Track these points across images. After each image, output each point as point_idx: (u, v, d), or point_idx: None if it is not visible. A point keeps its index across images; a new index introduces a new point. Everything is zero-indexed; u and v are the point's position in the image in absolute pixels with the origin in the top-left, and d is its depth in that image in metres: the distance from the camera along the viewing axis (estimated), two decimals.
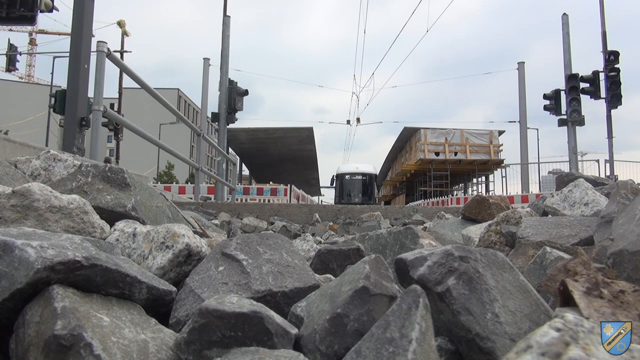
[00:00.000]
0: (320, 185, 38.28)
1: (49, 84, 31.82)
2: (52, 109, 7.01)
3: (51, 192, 1.32)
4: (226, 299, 0.82)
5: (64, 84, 7.80)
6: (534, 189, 19.04)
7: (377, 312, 0.81)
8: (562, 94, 15.34)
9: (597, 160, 19.56)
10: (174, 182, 36.02)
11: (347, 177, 27.99)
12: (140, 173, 9.34)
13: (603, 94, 15.07)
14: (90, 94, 6.06)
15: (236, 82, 14.80)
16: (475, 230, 2.22)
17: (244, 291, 1.04)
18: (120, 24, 27.57)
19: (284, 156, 29.26)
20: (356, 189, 27.75)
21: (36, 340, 0.78)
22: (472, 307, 0.82)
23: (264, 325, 0.79)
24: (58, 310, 0.79)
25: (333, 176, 28.51)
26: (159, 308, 1.04)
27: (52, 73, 29.77)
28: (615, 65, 14.97)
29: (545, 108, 15.77)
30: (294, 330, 0.83)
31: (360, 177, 27.87)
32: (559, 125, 15.31)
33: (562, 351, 0.59)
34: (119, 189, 1.61)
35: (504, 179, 24.10)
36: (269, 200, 16.93)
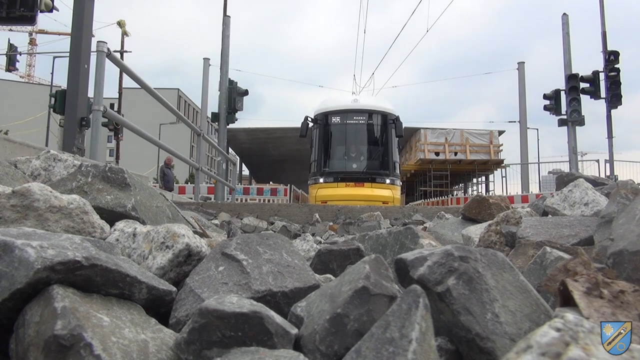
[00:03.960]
0: None
1: (49, 84, 31.83)
2: (52, 109, 7.01)
3: (51, 192, 1.32)
4: (226, 299, 0.82)
5: (64, 84, 7.80)
6: (534, 189, 19.05)
7: (377, 312, 0.81)
8: (562, 94, 15.35)
9: (597, 160, 19.61)
10: (174, 182, 35.91)
11: (335, 119, 14.35)
12: (140, 173, 9.34)
13: (603, 94, 15.07)
14: (90, 94, 6.06)
15: (236, 82, 14.80)
16: (475, 230, 2.22)
17: (244, 291, 1.04)
18: (120, 24, 27.56)
19: (284, 156, 27.14)
20: (355, 145, 14.41)
21: (36, 340, 0.78)
22: (472, 307, 0.82)
23: (264, 325, 0.79)
24: (58, 310, 0.79)
25: (306, 120, 14.38)
26: (159, 308, 1.04)
27: (52, 73, 29.79)
28: (615, 65, 14.97)
29: (545, 108, 15.77)
30: (294, 330, 0.83)
31: (363, 120, 14.41)
32: (559, 125, 15.32)
33: (562, 351, 0.59)
34: (119, 189, 1.61)
35: (504, 179, 24.14)
36: (269, 200, 16.93)
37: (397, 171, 15.16)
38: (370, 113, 14.68)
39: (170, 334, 0.91)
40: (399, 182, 15.32)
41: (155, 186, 13.06)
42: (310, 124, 14.78)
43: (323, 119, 14.65)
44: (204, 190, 14.21)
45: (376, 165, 14.35)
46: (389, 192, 13.99)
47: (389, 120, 14.53)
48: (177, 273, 1.25)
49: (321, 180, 14.18)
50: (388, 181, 14.20)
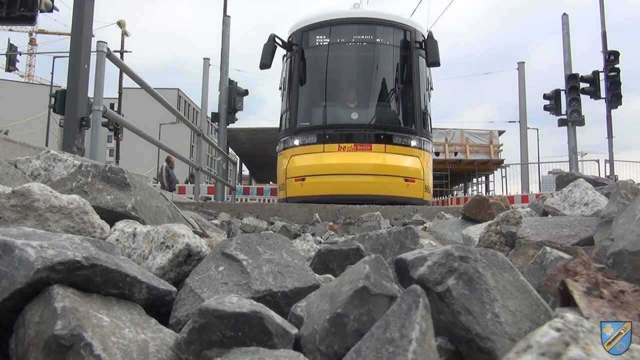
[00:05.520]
0: None
1: (49, 84, 31.88)
2: (52, 109, 7.01)
3: (51, 192, 1.32)
4: (226, 299, 0.82)
5: (64, 84, 7.81)
6: (534, 189, 19.05)
7: (377, 312, 0.81)
8: (562, 94, 15.35)
9: (597, 160, 19.64)
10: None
11: (322, 39, 8.89)
12: (140, 173, 9.35)
13: (603, 94, 15.09)
14: (90, 94, 6.07)
15: (236, 82, 14.79)
16: (475, 230, 2.22)
17: (244, 291, 1.04)
18: (120, 24, 27.59)
19: None
20: (356, 81, 8.94)
21: (36, 340, 0.78)
22: (472, 307, 0.82)
23: (264, 325, 0.79)
24: (58, 310, 0.79)
25: (273, 42, 8.79)
26: (159, 308, 1.04)
27: (52, 73, 29.85)
28: (615, 65, 14.99)
29: (545, 108, 15.77)
30: (294, 330, 0.83)
31: (370, 38, 8.74)
32: (559, 125, 15.32)
33: (562, 351, 0.59)
34: (119, 189, 1.61)
35: (504, 179, 24.16)
36: (269, 200, 16.92)
37: (429, 129, 9.14)
38: (382, 26, 8.62)
39: (170, 334, 0.91)
40: (430, 148, 9.18)
41: (155, 186, 13.08)
42: (283, 51, 9.00)
43: (302, 41, 8.76)
44: (204, 190, 14.22)
45: (392, 116, 8.64)
46: (415, 162, 8.32)
47: (414, 41, 8.62)
48: (177, 273, 1.25)
49: (296, 141, 8.56)
50: (414, 143, 8.44)
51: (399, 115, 8.84)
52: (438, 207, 6.53)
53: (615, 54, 15.06)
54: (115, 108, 23.05)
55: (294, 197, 8.26)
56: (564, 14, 15.83)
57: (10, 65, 23.96)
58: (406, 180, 8.14)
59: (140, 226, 1.39)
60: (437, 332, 0.85)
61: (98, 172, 1.64)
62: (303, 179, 8.29)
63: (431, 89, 9.74)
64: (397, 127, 8.58)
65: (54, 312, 0.79)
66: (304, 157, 8.54)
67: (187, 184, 19.93)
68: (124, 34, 27.70)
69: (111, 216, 1.52)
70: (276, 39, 8.94)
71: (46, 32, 42.48)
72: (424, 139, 8.75)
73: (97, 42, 5.49)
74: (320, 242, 2.63)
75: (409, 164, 8.33)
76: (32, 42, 47.86)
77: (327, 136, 8.42)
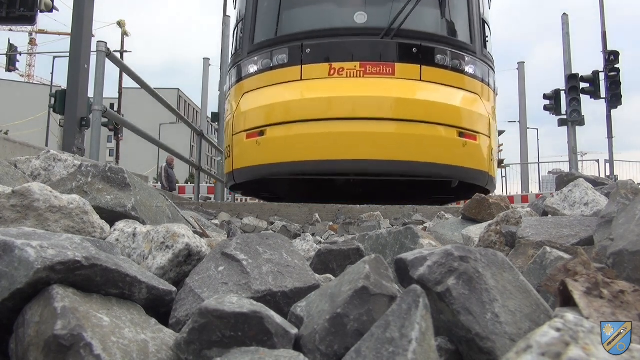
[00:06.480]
0: None
1: (49, 84, 31.93)
2: (52, 109, 7.02)
3: (51, 192, 1.32)
4: (226, 299, 0.82)
5: (64, 84, 7.82)
6: (534, 189, 19.06)
7: (377, 312, 0.81)
8: (562, 94, 15.37)
9: (597, 160, 19.66)
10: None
11: None
12: (140, 173, 9.35)
13: (603, 94, 15.12)
14: (90, 94, 6.07)
15: None
16: (475, 230, 2.21)
17: (244, 291, 1.04)
18: (120, 24, 27.63)
19: None
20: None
21: (36, 340, 0.78)
22: (472, 307, 0.82)
23: (264, 325, 0.79)
24: (58, 310, 0.79)
25: None
26: (159, 308, 1.04)
27: (52, 73, 29.91)
28: (615, 65, 15.01)
29: (545, 108, 15.80)
30: (294, 330, 0.83)
31: None
32: (559, 125, 15.33)
33: (562, 351, 0.59)
34: (119, 189, 1.61)
35: (504, 179, 24.11)
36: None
37: (490, 51, 5.72)
38: None
39: (170, 334, 0.91)
40: (493, 81, 5.78)
41: (155, 186, 13.08)
42: None
43: None
44: (204, 190, 14.22)
45: (432, 16, 5.18)
46: (475, 102, 5.10)
47: None
48: (177, 273, 1.25)
49: (253, 67, 5.26)
50: (471, 70, 5.22)
51: (444, 17, 4.97)
52: (438, 207, 6.51)
53: (615, 54, 15.08)
54: (115, 108, 23.06)
55: (245, 170, 4.91)
56: (564, 14, 15.84)
57: (10, 65, 24.01)
58: (461, 135, 4.68)
59: (140, 226, 1.39)
60: (437, 332, 0.85)
61: (98, 172, 1.64)
62: (261, 133, 4.85)
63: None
64: (441, 37, 4.89)
65: (54, 312, 0.79)
66: (265, 91, 4.95)
67: (187, 184, 19.93)
68: (124, 34, 27.74)
69: (111, 216, 1.52)
70: None
71: (46, 32, 42.59)
72: (487, 65, 5.19)
73: (97, 42, 5.51)
74: (320, 242, 2.63)
75: (466, 105, 4.81)
76: (32, 42, 47.96)
77: (308, 50, 4.81)
